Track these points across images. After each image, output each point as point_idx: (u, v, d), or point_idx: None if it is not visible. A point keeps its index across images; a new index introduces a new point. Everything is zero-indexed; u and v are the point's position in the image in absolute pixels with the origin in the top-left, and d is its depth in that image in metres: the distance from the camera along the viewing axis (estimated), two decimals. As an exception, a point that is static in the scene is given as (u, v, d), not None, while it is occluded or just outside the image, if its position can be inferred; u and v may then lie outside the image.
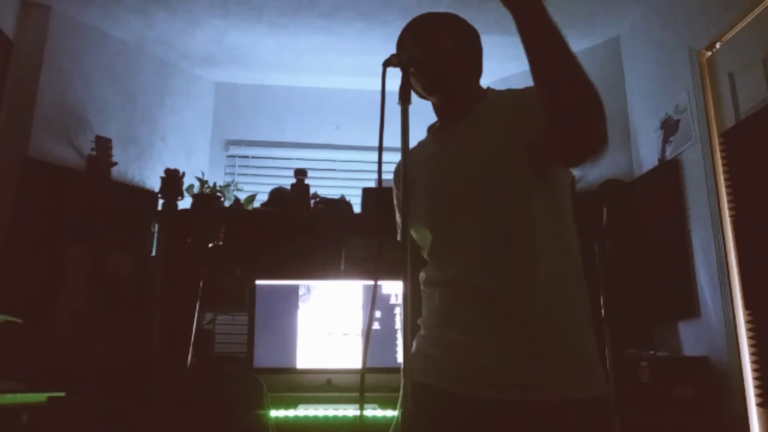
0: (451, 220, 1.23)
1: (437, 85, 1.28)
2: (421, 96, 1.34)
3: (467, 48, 1.33)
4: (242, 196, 3.58)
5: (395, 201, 1.48)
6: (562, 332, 1.11)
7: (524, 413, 1.07)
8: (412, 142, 1.15)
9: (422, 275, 1.31)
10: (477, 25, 1.35)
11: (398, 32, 1.37)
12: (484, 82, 1.36)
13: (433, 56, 1.24)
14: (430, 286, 1.28)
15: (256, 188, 3.82)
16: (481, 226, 1.17)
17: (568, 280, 1.15)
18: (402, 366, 0.99)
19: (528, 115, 1.15)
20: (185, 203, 3.33)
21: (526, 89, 1.20)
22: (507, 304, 1.11)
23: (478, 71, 1.37)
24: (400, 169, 1.24)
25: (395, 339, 2.81)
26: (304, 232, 3.25)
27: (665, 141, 3.08)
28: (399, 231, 1.40)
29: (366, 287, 2.90)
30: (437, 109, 1.37)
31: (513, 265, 1.13)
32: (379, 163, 1.15)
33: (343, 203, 3.46)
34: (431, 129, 1.42)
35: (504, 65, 3.83)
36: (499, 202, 1.16)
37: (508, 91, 1.28)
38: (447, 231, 1.24)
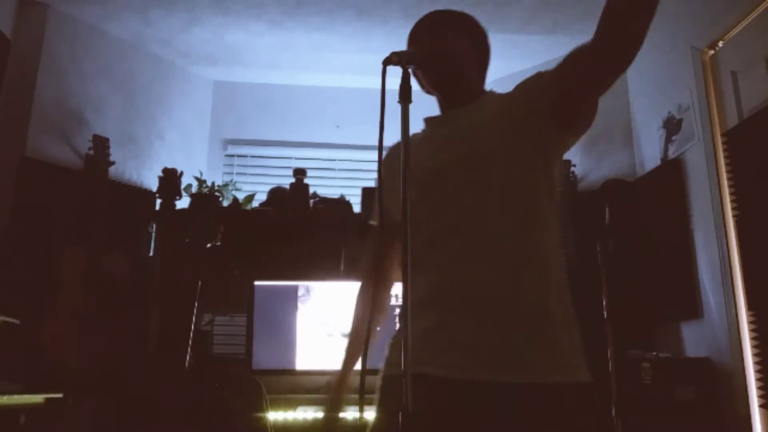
0: (439, 201, 1.20)
1: (445, 80, 1.30)
2: (428, 91, 1.36)
3: (476, 45, 1.35)
4: (241, 196, 3.56)
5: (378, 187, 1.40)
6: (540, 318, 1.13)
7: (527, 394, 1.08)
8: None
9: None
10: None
11: (398, 30, 1.37)
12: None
13: (442, 51, 1.26)
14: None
15: (254, 188, 3.79)
16: (478, 210, 1.17)
17: (535, 264, 1.16)
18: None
19: (539, 86, 1.18)
20: (183, 203, 3.31)
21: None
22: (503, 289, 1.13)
23: (483, 70, 1.38)
24: (389, 155, 1.30)
25: (395, 340, 2.79)
26: (303, 232, 3.23)
27: (668, 140, 3.06)
28: (377, 215, 1.34)
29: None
30: (441, 104, 1.37)
31: (505, 251, 1.15)
32: (379, 162, 1.14)
33: (342, 203, 3.44)
34: (428, 119, 1.40)
35: (503, 63, 3.79)
36: (498, 182, 1.17)
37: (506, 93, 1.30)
38: (434, 213, 1.19)
